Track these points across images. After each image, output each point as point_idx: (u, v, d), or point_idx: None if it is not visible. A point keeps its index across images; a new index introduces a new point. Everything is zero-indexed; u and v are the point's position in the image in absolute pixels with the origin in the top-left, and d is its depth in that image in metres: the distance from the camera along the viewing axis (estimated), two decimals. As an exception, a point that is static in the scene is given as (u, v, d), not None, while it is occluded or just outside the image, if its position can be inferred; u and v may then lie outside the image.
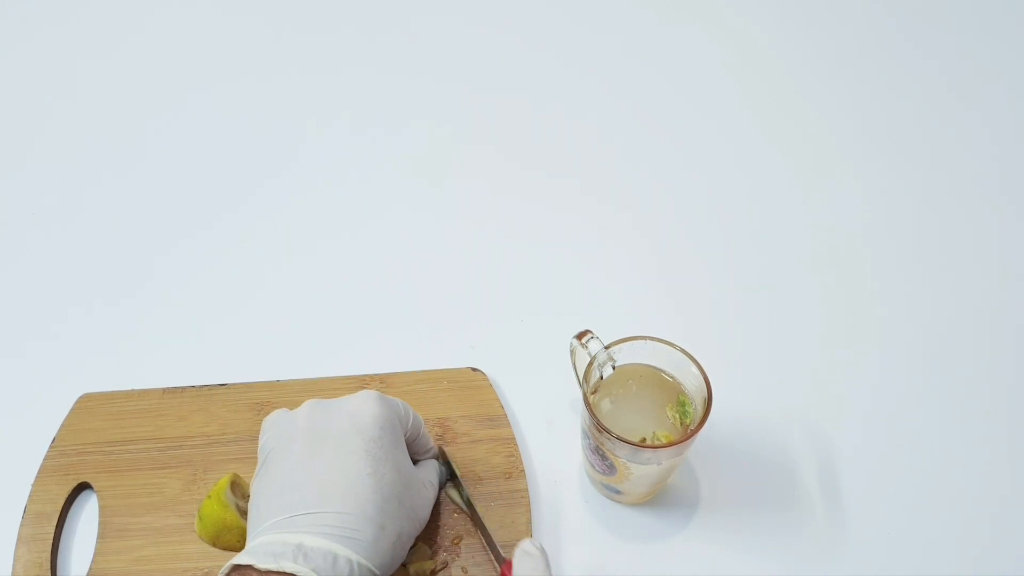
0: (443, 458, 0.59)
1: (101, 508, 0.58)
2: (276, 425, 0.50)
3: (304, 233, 0.75)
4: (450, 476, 0.58)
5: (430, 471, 0.55)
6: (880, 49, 0.92)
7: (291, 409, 0.52)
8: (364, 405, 0.50)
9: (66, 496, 0.58)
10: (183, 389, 0.63)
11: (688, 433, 0.52)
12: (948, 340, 0.68)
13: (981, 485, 0.60)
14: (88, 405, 0.62)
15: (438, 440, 0.61)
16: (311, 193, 0.78)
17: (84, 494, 0.59)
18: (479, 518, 0.57)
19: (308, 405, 0.51)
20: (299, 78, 0.88)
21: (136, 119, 0.84)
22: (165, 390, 0.63)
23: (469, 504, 0.57)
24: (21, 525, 0.57)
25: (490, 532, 0.56)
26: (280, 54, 0.91)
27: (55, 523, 0.57)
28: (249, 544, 0.45)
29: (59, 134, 0.83)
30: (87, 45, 0.92)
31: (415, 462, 0.55)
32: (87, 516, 0.59)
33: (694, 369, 0.53)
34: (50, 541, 0.56)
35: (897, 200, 0.78)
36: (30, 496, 0.58)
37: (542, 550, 0.52)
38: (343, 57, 0.90)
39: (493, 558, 0.55)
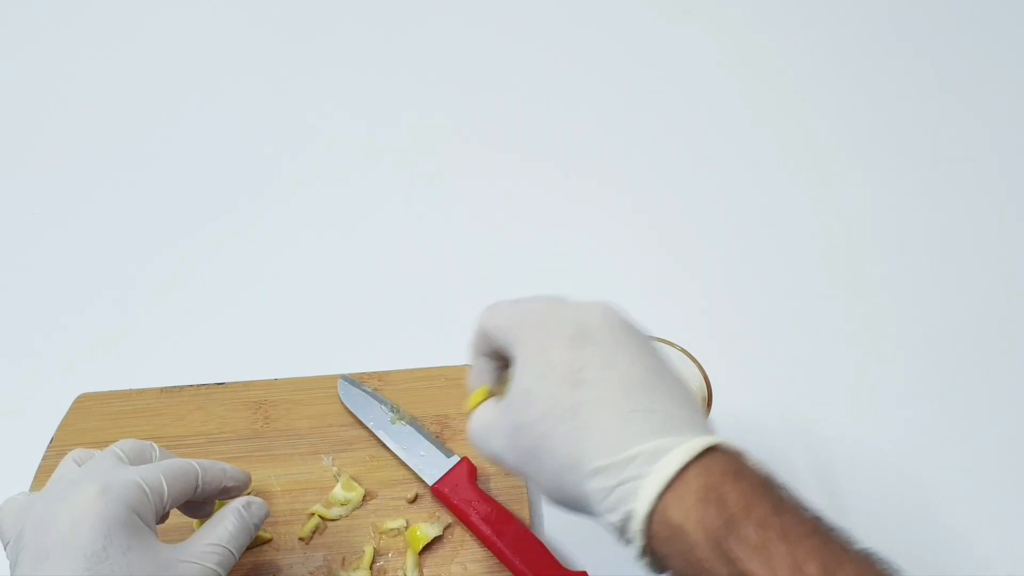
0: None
1: (99, 508, 0.57)
2: (11, 518, 0.44)
3: (301, 231, 0.75)
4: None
5: (216, 529, 0.47)
6: (882, 49, 0.91)
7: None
8: (87, 508, 0.43)
9: (64, 496, 0.58)
10: (181, 388, 0.63)
11: (687, 433, 0.51)
12: (949, 340, 0.68)
13: (982, 486, 0.60)
14: (86, 405, 0.62)
15: (437, 438, 0.60)
16: (308, 192, 0.78)
17: (82, 494, 0.59)
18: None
19: (37, 511, 0.44)
20: (294, 78, 0.88)
21: (133, 119, 0.84)
22: (163, 389, 0.63)
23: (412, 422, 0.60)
24: (18, 525, 0.56)
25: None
26: (275, 55, 0.90)
27: (53, 523, 0.56)
28: None
29: (58, 134, 0.83)
30: (86, 45, 0.91)
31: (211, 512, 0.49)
32: (85, 516, 0.58)
33: (694, 369, 0.53)
34: (47, 541, 0.56)
35: (899, 201, 0.78)
36: (28, 496, 0.58)
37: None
38: (340, 57, 0.90)
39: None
